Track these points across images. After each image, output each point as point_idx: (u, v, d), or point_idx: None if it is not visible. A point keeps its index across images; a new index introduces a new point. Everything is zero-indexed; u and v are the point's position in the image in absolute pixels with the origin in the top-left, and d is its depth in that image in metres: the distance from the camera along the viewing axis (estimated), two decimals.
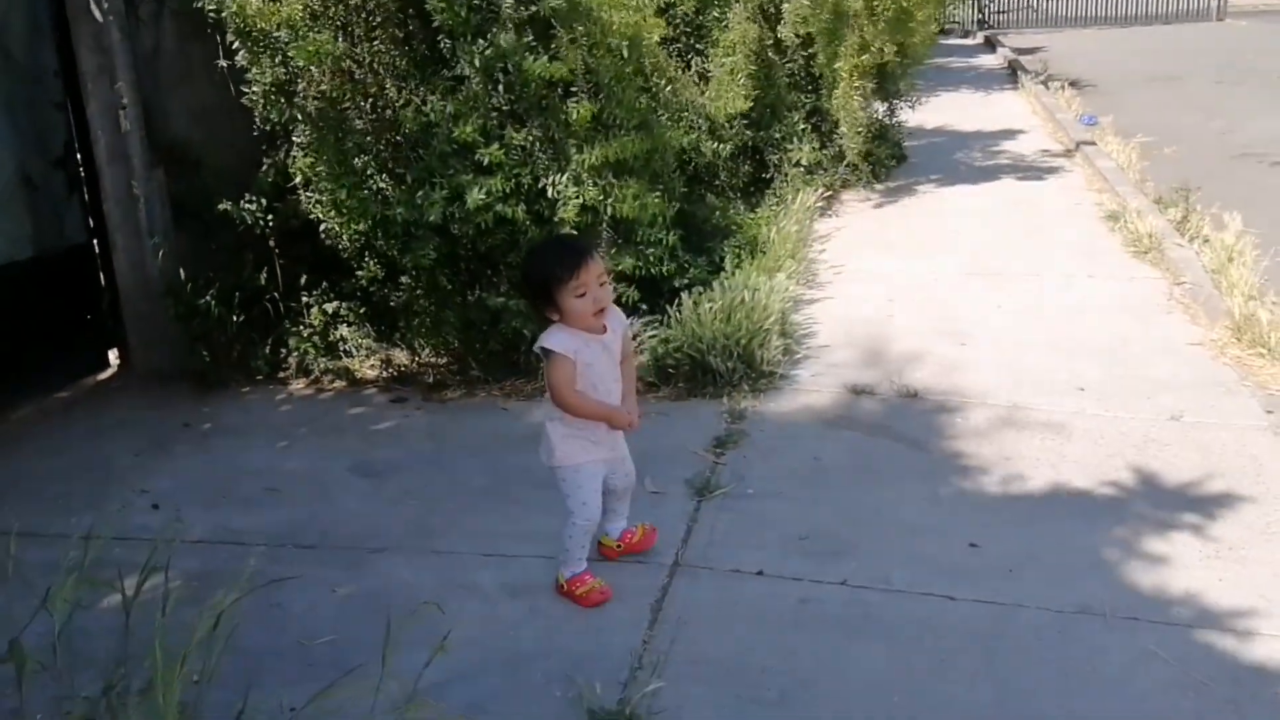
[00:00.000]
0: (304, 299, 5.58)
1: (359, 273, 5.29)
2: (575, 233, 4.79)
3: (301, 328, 5.52)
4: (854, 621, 3.23)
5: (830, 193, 8.32)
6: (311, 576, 3.57)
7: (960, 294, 6.17)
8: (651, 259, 5.18)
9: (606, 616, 3.28)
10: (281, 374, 5.45)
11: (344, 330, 5.53)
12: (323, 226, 5.18)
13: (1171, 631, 3.17)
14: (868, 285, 6.35)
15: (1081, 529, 3.73)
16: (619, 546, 3.58)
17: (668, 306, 5.21)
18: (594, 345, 3.22)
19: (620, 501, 3.54)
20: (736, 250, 6.02)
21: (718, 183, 7.17)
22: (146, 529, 3.95)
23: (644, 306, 5.28)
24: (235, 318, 5.34)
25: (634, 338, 5.05)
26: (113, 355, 5.72)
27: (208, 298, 5.27)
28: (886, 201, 8.50)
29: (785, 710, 2.86)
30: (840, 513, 3.87)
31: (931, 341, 5.45)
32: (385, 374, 5.36)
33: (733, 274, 5.53)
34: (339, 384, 5.34)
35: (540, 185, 4.88)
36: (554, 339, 3.19)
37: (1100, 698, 2.90)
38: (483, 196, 4.58)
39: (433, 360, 5.35)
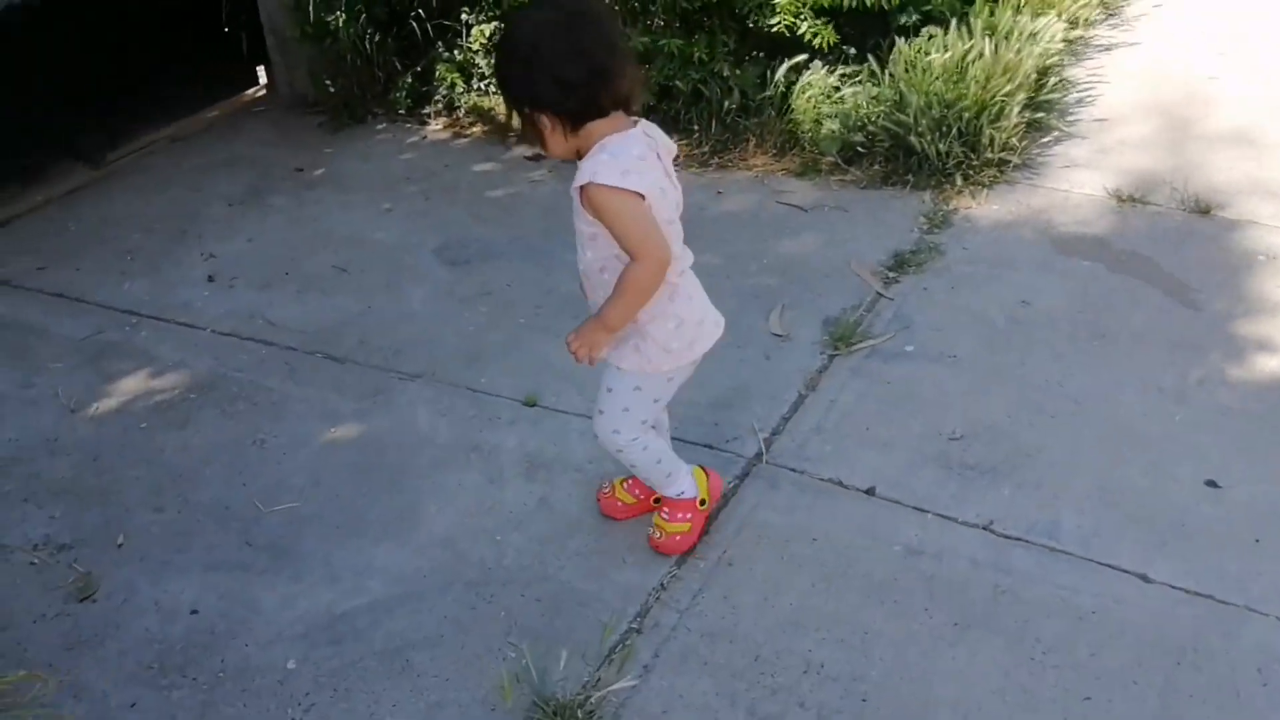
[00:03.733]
0: (463, 17, 4.67)
1: None
2: None
3: (455, 52, 4.65)
4: (977, 599, 2.18)
5: None
6: (317, 405, 2.89)
7: None
8: None
9: (631, 531, 2.39)
10: (426, 110, 4.65)
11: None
12: None
13: None
14: (1192, 27, 4.64)
15: None
16: (637, 499, 2.41)
17: (874, 55, 3.90)
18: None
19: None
20: None
21: None
22: (188, 308, 3.38)
23: (850, 50, 3.99)
24: (370, 38, 4.53)
25: (833, 93, 3.86)
26: (263, 73, 5.10)
27: (338, 14, 4.47)
28: None
29: None
30: (1025, 398, 2.71)
31: (1261, 123, 3.86)
32: None
33: (986, 9, 4.06)
34: (480, 129, 4.48)
35: None
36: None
37: None
38: None
39: None
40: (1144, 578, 2.20)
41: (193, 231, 3.86)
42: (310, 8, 4.43)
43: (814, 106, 3.87)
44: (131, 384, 3.04)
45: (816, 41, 3.81)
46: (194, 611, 2.28)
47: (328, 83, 4.54)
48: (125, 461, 2.74)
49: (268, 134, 4.65)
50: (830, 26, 3.81)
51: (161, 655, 2.18)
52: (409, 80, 4.65)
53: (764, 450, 2.57)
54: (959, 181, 3.58)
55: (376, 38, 4.54)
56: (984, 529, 2.34)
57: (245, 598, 2.29)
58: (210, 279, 3.54)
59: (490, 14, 4.65)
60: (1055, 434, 2.59)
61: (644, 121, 1.95)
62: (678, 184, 1.97)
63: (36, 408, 2.96)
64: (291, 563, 2.38)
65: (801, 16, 3.85)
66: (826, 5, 3.80)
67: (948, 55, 3.70)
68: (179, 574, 2.37)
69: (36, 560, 2.44)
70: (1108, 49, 4.49)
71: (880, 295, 3.14)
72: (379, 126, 4.60)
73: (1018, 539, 2.31)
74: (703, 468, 2.35)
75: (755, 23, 3.92)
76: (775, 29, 3.90)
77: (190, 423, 2.86)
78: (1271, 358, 2.79)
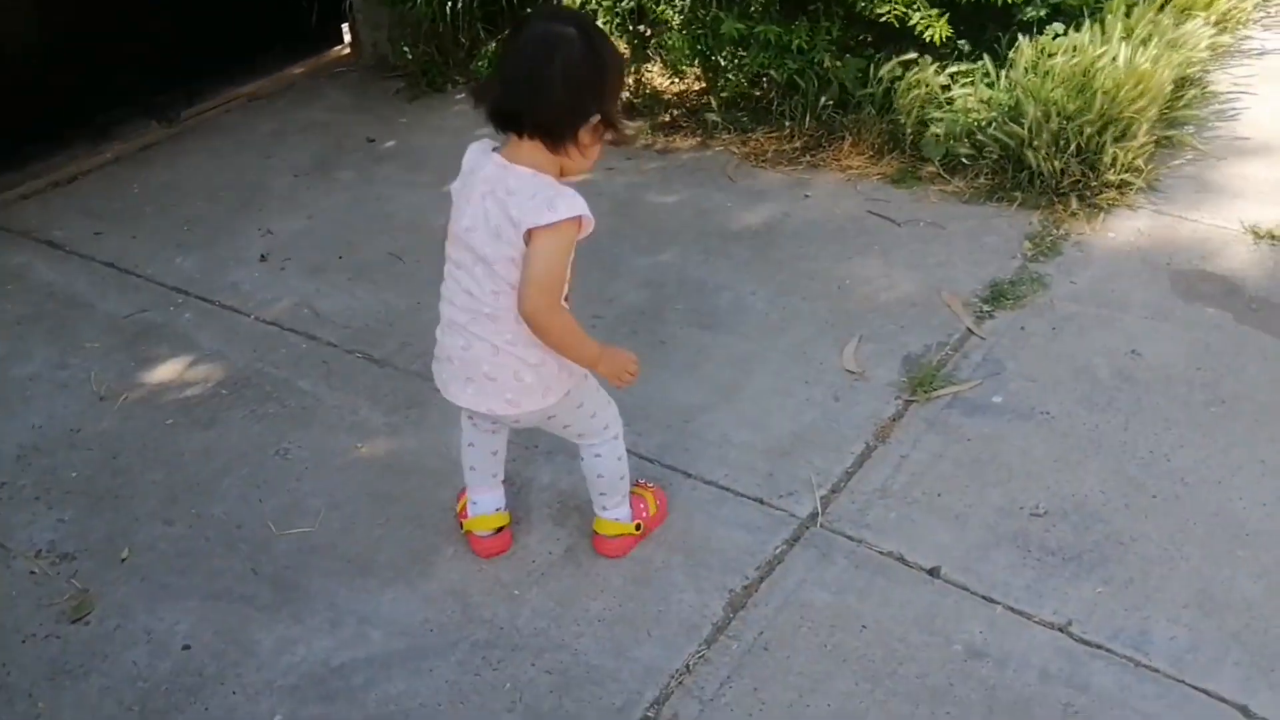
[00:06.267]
0: None
1: None
2: None
3: None
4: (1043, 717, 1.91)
5: None
6: (348, 414, 2.70)
7: None
8: None
9: (660, 597, 2.16)
10: None
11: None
12: None
13: None
14: None
15: None
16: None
17: (990, 53, 3.54)
18: None
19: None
20: None
21: None
22: (236, 289, 3.24)
23: (964, 46, 3.64)
24: (452, 2, 4.30)
25: (941, 93, 3.53)
26: (348, 31, 4.93)
27: None
28: None
29: None
30: (1124, 471, 2.39)
31: None
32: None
33: (1122, 6, 3.66)
34: None
35: None
36: (578, 200, 1.80)
37: None
38: None
39: (674, 86, 4.09)
40: (1244, 711, 1.90)
41: (254, 203, 3.72)
42: None
43: (919, 107, 3.54)
44: (165, 372, 2.90)
45: (929, 34, 3.47)
46: (186, 646, 2.12)
47: (405, 49, 4.33)
48: (144, 462, 2.59)
49: (345, 99, 4.48)
50: (945, 19, 3.46)
51: (144, 696, 2.03)
52: (492, 48, 4.42)
53: (820, 511, 2.31)
54: (1073, 203, 3.23)
55: (459, 3, 4.31)
56: (1060, 630, 2.05)
57: (241, 636, 2.13)
58: (263, 258, 3.39)
59: None
60: (1155, 520, 2.27)
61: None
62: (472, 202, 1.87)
63: (67, 392, 2.84)
64: (295, 600, 2.20)
65: (914, 6, 3.51)
66: None
67: (1074, 60, 3.33)
68: (178, 599, 2.22)
69: (36, 570, 2.31)
70: (1259, 55, 4.04)
71: (971, 332, 2.83)
72: (458, 96, 4.39)
73: (1098, 646, 2.01)
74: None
75: (863, 10, 3.58)
76: (885, 18, 3.56)
77: (216, 423, 2.71)
78: None
